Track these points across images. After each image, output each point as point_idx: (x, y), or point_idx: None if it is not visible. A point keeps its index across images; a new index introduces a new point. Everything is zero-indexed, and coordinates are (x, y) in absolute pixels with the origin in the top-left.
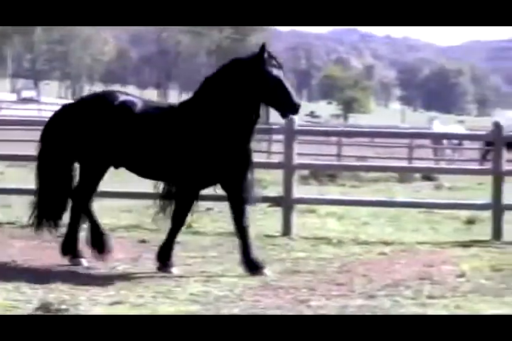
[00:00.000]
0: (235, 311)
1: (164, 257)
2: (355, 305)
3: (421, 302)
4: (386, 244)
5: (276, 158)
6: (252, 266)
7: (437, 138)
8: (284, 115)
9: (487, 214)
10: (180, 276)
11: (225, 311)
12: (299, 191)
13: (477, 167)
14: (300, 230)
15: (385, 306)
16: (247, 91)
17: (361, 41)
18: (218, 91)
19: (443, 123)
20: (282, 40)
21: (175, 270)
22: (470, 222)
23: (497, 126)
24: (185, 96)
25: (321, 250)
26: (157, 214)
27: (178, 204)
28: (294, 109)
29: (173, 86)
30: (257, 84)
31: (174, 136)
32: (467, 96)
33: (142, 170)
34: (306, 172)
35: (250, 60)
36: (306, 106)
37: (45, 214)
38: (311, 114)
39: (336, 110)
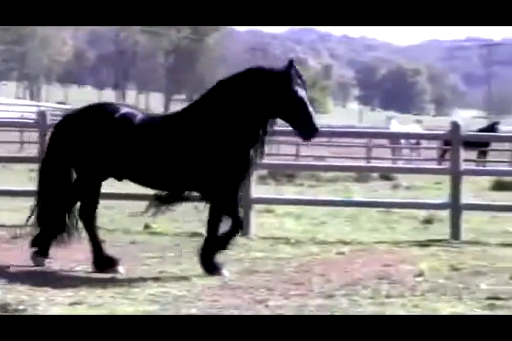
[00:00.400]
0: (193, 311)
1: (209, 264)
2: (314, 305)
3: (379, 301)
4: (344, 243)
5: None
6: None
7: (395, 137)
8: (303, 137)
9: (445, 213)
10: (139, 277)
11: (183, 311)
12: (257, 191)
13: (435, 166)
14: (258, 230)
15: (343, 306)
16: (267, 107)
17: (319, 41)
18: (234, 99)
19: (401, 123)
20: (239, 40)
21: (226, 272)
22: (428, 221)
23: (455, 125)
24: (143, 96)
25: (279, 250)
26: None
27: (216, 210)
28: (314, 133)
29: (131, 86)
30: (282, 103)
31: (188, 144)
32: (425, 95)
33: (152, 181)
34: (264, 172)
35: (277, 75)
36: None
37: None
38: None
39: None
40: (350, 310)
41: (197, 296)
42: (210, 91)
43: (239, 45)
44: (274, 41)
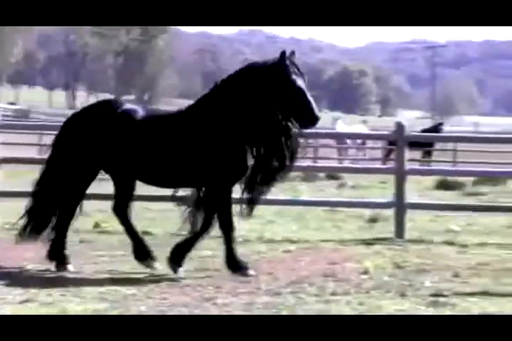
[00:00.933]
0: (142, 309)
1: (234, 264)
2: (261, 303)
3: (325, 299)
4: (291, 242)
5: None
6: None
7: (341, 137)
8: (303, 126)
9: (390, 212)
10: (89, 275)
11: (133, 309)
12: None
13: (380, 166)
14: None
15: (289, 303)
16: (267, 99)
17: (267, 43)
18: (235, 97)
19: (347, 123)
20: (188, 42)
21: (251, 271)
22: (373, 220)
23: (399, 125)
24: (93, 97)
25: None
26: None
27: (221, 209)
28: (315, 122)
29: (81, 87)
30: (281, 94)
31: (194, 141)
32: (370, 96)
33: (161, 180)
34: None
35: (271, 67)
36: None
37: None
38: None
39: None
40: (296, 308)
41: (146, 294)
42: (211, 92)
43: (187, 47)
44: (223, 43)
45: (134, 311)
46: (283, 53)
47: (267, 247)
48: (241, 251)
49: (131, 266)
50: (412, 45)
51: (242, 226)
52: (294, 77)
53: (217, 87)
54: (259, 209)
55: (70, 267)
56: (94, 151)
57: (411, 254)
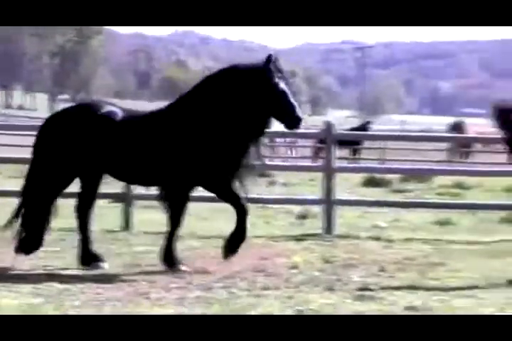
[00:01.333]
0: (77, 304)
1: (170, 259)
2: (193, 297)
3: (255, 293)
4: (223, 238)
5: None
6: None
7: (272, 136)
8: (288, 127)
9: (319, 209)
10: (24, 271)
11: (67, 304)
12: (140, 187)
13: (310, 164)
14: (141, 225)
15: (221, 297)
16: (250, 102)
17: (200, 44)
18: (217, 98)
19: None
20: (123, 43)
21: (184, 267)
22: (303, 216)
23: (328, 124)
24: (29, 97)
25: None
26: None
27: (173, 206)
28: (298, 123)
29: (18, 87)
30: (264, 97)
31: (164, 142)
32: (300, 96)
33: (129, 177)
34: None
35: (256, 69)
36: (145, 107)
37: (29, 221)
38: None
39: None
40: (227, 302)
41: (81, 289)
42: (191, 92)
43: (122, 48)
44: (157, 44)
45: (67, 306)
46: (269, 56)
47: (200, 243)
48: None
49: (66, 262)
50: (341, 46)
51: None
52: (277, 80)
53: (196, 87)
54: (194, 207)
55: (104, 265)
56: (75, 153)
57: (339, 249)
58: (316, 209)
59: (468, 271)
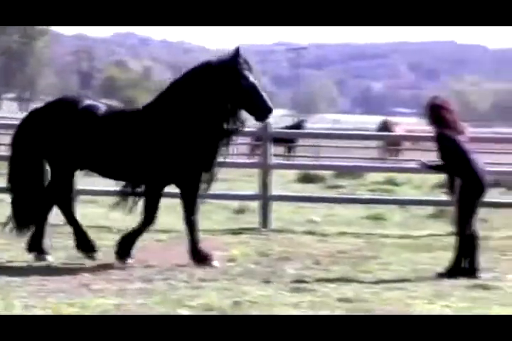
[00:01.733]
0: (24, 294)
1: (124, 251)
2: (134, 289)
3: (193, 285)
4: (163, 231)
5: None
6: (200, 258)
7: None
8: (258, 119)
9: (255, 204)
10: None
11: (12, 295)
12: (82, 183)
13: (246, 160)
14: (83, 220)
15: (161, 289)
16: (221, 96)
17: (140, 45)
18: (191, 94)
19: None
20: (66, 44)
21: (130, 260)
22: (240, 211)
23: (264, 123)
24: None
25: (103, 238)
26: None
27: (148, 202)
28: (269, 113)
29: None
30: (234, 90)
31: (142, 138)
32: None
33: (107, 171)
34: None
35: (225, 65)
36: None
37: (20, 215)
38: None
39: None
40: (167, 293)
41: (26, 281)
42: (168, 89)
43: (65, 48)
44: (99, 44)
45: (13, 297)
46: (237, 50)
47: (141, 236)
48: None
49: (12, 254)
50: (276, 47)
51: (115, 217)
52: (246, 72)
53: (173, 84)
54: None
55: (49, 258)
56: (55, 146)
57: (275, 243)
58: (253, 204)
59: (398, 264)
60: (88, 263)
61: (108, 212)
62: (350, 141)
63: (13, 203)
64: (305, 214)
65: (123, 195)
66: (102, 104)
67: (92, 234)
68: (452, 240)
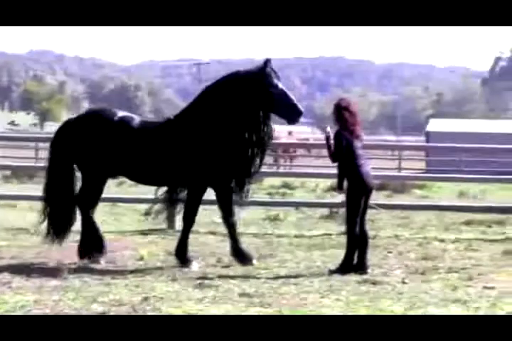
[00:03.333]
0: None
1: (182, 254)
2: (50, 286)
3: (106, 282)
4: (78, 233)
5: None
6: (242, 257)
7: None
8: (291, 121)
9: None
10: None
11: None
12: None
13: None
14: (2, 222)
15: (75, 286)
16: (252, 103)
17: (55, 61)
18: (223, 102)
19: None
20: None
21: (195, 265)
22: (148, 213)
23: None
24: None
25: (21, 239)
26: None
27: (189, 205)
28: (299, 116)
29: None
30: (265, 97)
31: (182, 145)
32: (145, 107)
33: (146, 178)
34: (8, 172)
35: (255, 74)
36: (8, 117)
37: (55, 222)
38: (12, 123)
39: (34, 120)
40: (81, 290)
41: None
42: (199, 98)
43: None
44: (17, 61)
45: None
46: (266, 61)
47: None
48: (34, 241)
49: None
50: (179, 62)
51: (34, 220)
52: (275, 81)
53: (204, 93)
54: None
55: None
56: (93, 156)
57: None
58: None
59: (294, 261)
60: (8, 263)
61: (25, 216)
62: None
63: (49, 212)
64: (208, 215)
65: (167, 201)
66: (136, 116)
67: (10, 236)
68: (343, 239)
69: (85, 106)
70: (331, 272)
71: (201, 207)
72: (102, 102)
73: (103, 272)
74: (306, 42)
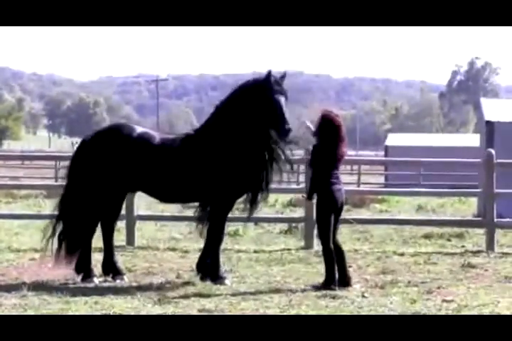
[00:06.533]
0: None
1: (215, 271)
2: (9, 304)
3: (65, 300)
4: (36, 251)
5: None
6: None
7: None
8: (281, 136)
9: (122, 224)
10: None
11: None
12: None
13: None
14: None
15: (34, 304)
16: (254, 116)
17: (12, 78)
18: (233, 116)
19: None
20: None
21: (228, 281)
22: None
23: None
24: None
25: None
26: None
27: (216, 222)
28: (288, 132)
29: None
30: (263, 110)
31: (200, 162)
32: (104, 123)
33: (168, 195)
34: None
35: (257, 86)
36: None
37: (70, 240)
38: None
39: None
40: (40, 308)
41: None
42: (217, 112)
43: None
44: None
45: None
46: (269, 73)
47: (15, 255)
48: None
49: None
50: (138, 78)
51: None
52: (276, 94)
53: (219, 108)
54: (6, 223)
55: (95, 280)
56: (114, 173)
57: (140, 259)
58: (120, 224)
59: (253, 276)
60: None
61: None
62: None
63: (64, 228)
64: (167, 231)
65: (198, 220)
66: (155, 132)
67: None
68: (302, 254)
69: (44, 122)
70: (316, 288)
71: (160, 224)
72: (60, 118)
73: (62, 289)
74: (264, 56)
